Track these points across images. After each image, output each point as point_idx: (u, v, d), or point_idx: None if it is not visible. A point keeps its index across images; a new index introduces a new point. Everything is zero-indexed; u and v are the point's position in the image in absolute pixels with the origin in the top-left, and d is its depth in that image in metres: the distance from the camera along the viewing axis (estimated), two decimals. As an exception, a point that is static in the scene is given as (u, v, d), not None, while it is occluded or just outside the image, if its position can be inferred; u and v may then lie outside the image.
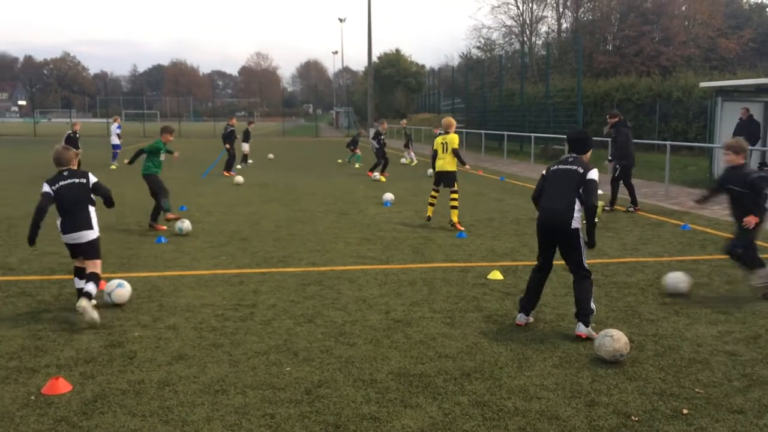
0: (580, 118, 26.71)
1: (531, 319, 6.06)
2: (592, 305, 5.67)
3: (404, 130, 28.37)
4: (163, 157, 10.86)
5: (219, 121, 62.08)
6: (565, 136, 13.16)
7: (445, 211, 12.00)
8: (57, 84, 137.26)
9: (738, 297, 6.95)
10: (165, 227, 10.59)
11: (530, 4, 54.00)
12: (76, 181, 6.26)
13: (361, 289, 7.24)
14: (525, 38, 54.80)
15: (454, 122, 11.31)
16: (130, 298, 6.61)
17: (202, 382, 4.71)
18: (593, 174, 5.63)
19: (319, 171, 23.02)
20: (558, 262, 5.95)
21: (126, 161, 11.13)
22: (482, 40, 57.47)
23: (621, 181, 13.04)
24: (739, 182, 6.77)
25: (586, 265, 5.70)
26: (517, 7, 54.49)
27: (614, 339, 5.02)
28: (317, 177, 20.67)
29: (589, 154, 5.95)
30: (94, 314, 5.90)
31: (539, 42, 54.88)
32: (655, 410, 4.27)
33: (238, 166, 22.88)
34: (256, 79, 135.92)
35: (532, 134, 26.73)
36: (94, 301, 6.02)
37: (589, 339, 5.51)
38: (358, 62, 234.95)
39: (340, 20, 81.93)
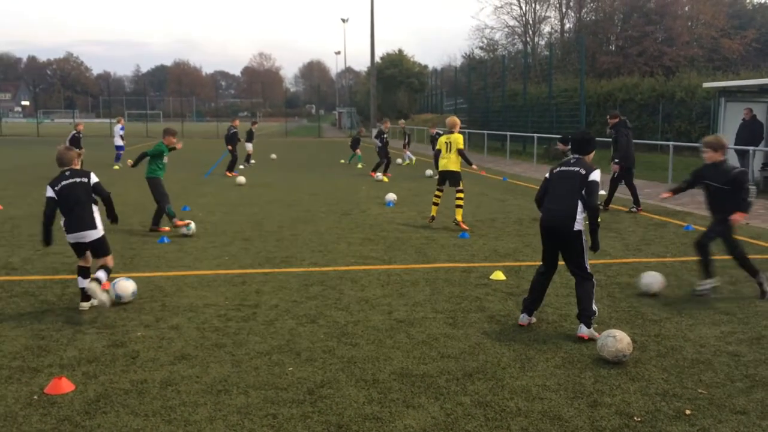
0: (583, 119, 26.69)
1: (533, 320, 6.05)
2: (594, 307, 5.66)
3: (403, 130, 28.31)
4: (166, 159, 10.80)
5: (222, 121, 62.20)
6: (565, 138, 13.25)
7: (448, 211, 12.01)
8: (60, 84, 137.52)
9: (741, 297, 6.94)
10: (168, 228, 10.59)
11: (533, 5, 53.95)
12: (78, 180, 6.30)
13: (363, 289, 7.24)
14: (528, 38, 54.74)
15: (458, 122, 11.30)
16: (133, 292, 6.65)
17: (204, 382, 4.71)
18: (595, 175, 5.63)
19: (322, 171, 23.04)
20: (562, 263, 5.94)
21: (129, 164, 11.04)
22: (485, 41, 57.43)
23: (621, 182, 13.05)
24: (720, 179, 6.75)
25: (588, 267, 5.70)
26: (520, 8, 54.45)
27: (617, 339, 5.02)
28: (320, 177, 20.68)
29: (592, 155, 5.94)
30: (103, 296, 6.13)
31: (542, 42, 54.85)
32: (657, 411, 4.27)
33: (241, 167, 22.90)
34: (259, 80, 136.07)
35: (535, 134, 26.73)
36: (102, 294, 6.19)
37: (591, 340, 5.50)
38: (360, 62, 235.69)
39: (343, 20, 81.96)
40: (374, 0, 51.75)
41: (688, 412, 4.25)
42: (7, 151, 34.14)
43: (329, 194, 16.02)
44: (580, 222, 5.62)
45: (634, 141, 13.46)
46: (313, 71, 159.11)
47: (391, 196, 14.42)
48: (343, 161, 27.39)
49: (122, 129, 25.27)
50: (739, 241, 7.03)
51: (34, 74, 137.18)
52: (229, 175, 20.62)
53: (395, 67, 71.35)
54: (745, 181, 6.68)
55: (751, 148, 14.45)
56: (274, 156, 29.65)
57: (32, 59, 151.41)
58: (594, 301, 5.67)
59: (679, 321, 6.14)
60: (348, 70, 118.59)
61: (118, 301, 6.52)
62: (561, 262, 5.93)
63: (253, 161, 25.55)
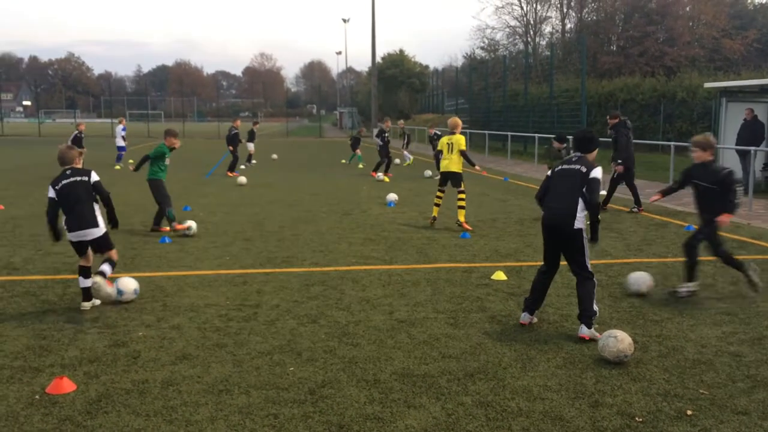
0: (584, 119, 26.68)
1: (535, 320, 6.05)
2: (595, 307, 5.66)
3: (402, 131, 28.27)
4: (168, 161, 10.77)
5: (223, 121, 62.21)
6: (560, 136, 13.24)
7: (449, 211, 12.00)
8: (61, 84, 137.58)
9: (742, 298, 6.93)
10: (168, 228, 10.59)
11: (534, 5, 53.93)
12: (78, 179, 6.33)
13: (364, 289, 7.24)
14: (529, 39, 54.72)
15: (460, 123, 11.28)
16: (135, 290, 6.67)
17: (205, 381, 4.71)
18: (596, 173, 5.64)
19: (323, 171, 23.04)
20: (564, 263, 5.94)
21: (131, 168, 10.92)
22: (486, 41, 57.38)
23: (621, 182, 13.06)
24: (708, 178, 6.71)
25: (589, 267, 5.70)
26: (521, 8, 54.43)
27: (618, 340, 5.02)
28: (321, 177, 20.69)
29: (594, 153, 5.93)
30: (108, 289, 6.28)
31: (543, 42, 54.84)
32: (659, 411, 4.27)
33: (242, 167, 22.91)
34: (260, 80, 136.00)
35: (536, 135, 26.70)
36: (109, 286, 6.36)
37: (592, 340, 5.50)
38: (361, 63, 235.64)
39: (344, 21, 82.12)
40: (375, 0, 51.75)
41: (689, 412, 4.25)
42: (9, 151, 34.17)
43: (330, 194, 16.03)
44: (581, 220, 5.62)
45: (635, 141, 13.46)
46: (314, 71, 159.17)
47: (392, 197, 14.41)
48: (344, 161, 27.39)
49: (124, 130, 25.29)
50: (723, 239, 7.00)
51: (35, 74, 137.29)
52: (231, 175, 20.63)
53: (396, 67, 71.32)
54: (733, 182, 6.64)
55: (752, 148, 14.42)
56: (275, 156, 29.66)
57: (33, 59, 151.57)
58: (595, 301, 5.66)
59: (681, 321, 6.14)
60: (349, 70, 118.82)
61: (119, 297, 6.54)
62: (563, 263, 5.93)
63: (254, 161, 25.58)
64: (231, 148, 21.57)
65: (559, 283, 7.13)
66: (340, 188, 17.47)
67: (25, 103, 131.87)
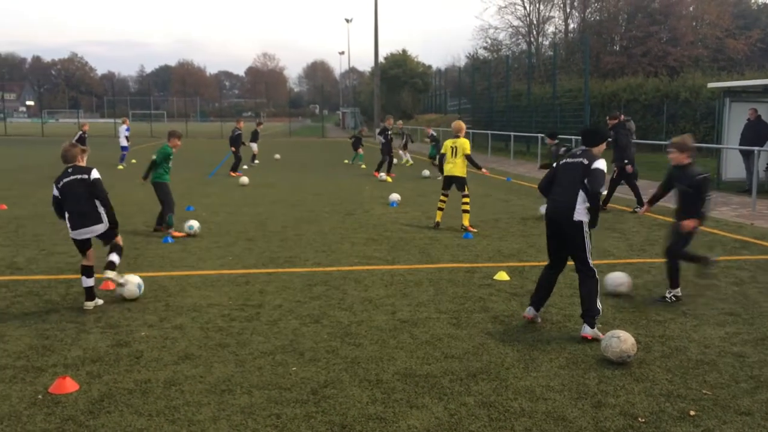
0: (587, 119, 26.65)
1: (539, 319, 6.05)
2: (598, 305, 5.64)
3: (401, 131, 28.25)
4: (170, 163, 10.73)
5: (226, 121, 62.28)
6: (551, 132, 13.22)
7: (453, 211, 11.99)
8: (65, 84, 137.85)
9: (745, 298, 6.92)
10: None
11: (537, 5, 53.91)
12: (78, 177, 6.35)
13: (367, 289, 7.24)
14: (532, 39, 54.69)
15: (463, 126, 11.03)
16: (139, 284, 6.71)
17: (208, 381, 4.72)
18: (599, 164, 5.63)
19: (325, 171, 23.05)
20: (570, 263, 5.92)
21: (142, 179, 10.61)
22: (489, 41, 57.38)
23: (621, 182, 13.08)
24: (684, 181, 6.64)
25: (591, 264, 5.69)
26: (524, 8, 54.40)
27: (621, 340, 5.01)
28: (323, 177, 20.69)
29: (601, 147, 5.88)
30: (120, 279, 6.48)
31: (546, 42, 54.80)
32: (662, 411, 4.26)
33: (245, 167, 22.93)
34: (263, 80, 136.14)
35: (539, 135, 26.66)
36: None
37: (595, 340, 5.49)
38: (364, 63, 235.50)
39: (347, 21, 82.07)
40: (378, 0, 51.75)
41: (692, 413, 4.24)
42: (12, 151, 34.25)
43: (333, 194, 16.03)
44: (580, 212, 5.61)
45: (638, 141, 13.43)
46: (317, 71, 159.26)
47: (395, 197, 14.41)
48: (346, 161, 27.40)
49: (128, 130, 25.32)
50: (688, 242, 6.90)
51: (38, 74, 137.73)
52: (233, 175, 20.65)
53: (399, 67, 71.33)
54: (706, 188, 6.55)
55: (755, 148, 14.39)
56: (277, 156, 29.68)
57: (37, 59, 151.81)
58: (598, 300, 5.65)
59: (684, 322, 6.12)
60: (352, 70, 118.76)
61: (122, 285, 6.60)
62: (570, 263, 5.91)
63: (257, 161, 25.61)
64: (233, 148, 21.62)
65: (561, 283, 7.12)
66: (343, 188, 17.47)
67: (28, 103, 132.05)
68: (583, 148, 5.87)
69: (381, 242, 9.91)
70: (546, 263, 6.09)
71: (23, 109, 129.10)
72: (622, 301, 6.79)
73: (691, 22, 46.28)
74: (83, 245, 6.42)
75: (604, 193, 12.85)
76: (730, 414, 4.23)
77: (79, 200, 6.31)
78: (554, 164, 6.09)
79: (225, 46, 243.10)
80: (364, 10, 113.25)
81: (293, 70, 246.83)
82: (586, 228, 5.66)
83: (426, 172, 21.03)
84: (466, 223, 10.84)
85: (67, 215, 6.37)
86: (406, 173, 22.14)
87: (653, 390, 4.60)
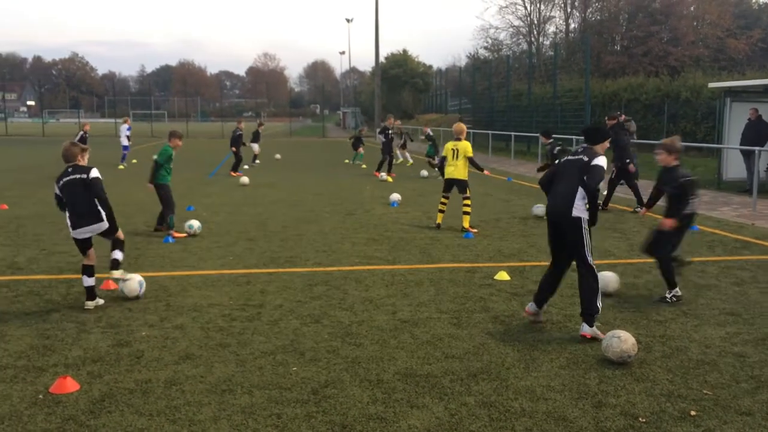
0: (588, 119, 26.63)
1: (540, 318, 6.05)
2: (598, 304, 5.62)
3: (400, 131, 28.23)
4: (171, 164, 10.71)
5: (227, 121, 62.28)
6: (546, 131, 13.21)
7: (454, 212, 11.99)
8: (65, 84, 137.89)
9: (746, 298, 6.91)
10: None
11: (538, 5, 53.87)
12: (78, 176, 6.35)
13: (367, 289, 7.24)
14: (532, 38, 54.66)
15: (464, 128, 10.99)
16: (140, 282, 6.75)
17: (209, 381, 4.72)
18: (599, 161, 5.64)
19: (326, 171, 23.05)
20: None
21: (149, 185, 10.47)
22: (489, 41, 57.35)
23: (620, 182, 13.09)
24: (670, 183, 6.73)
25: (590, 261, 5.67)
26: (525, 8, 54.36)
27: (622, 340, 5.01)
28: (324, 177, 20.69)
29: (604, 144, 5.88)
30: (126, 275, 6.59)
31: (547, 42, 54.74)
32: (662, 412, 4.26)
33: (245, 167, 22.93)
34: (264, 80, 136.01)
35: (540, 135, 26.65)
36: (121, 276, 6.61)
37: (595, 340, 5.49)
38: (365, 63, 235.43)
39: (348, 20, 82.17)
40: (379, 0, 51.74)
41: (693, 413, 4.24)
42: (13, 150, 34.26)
43: (333, 194, 16.03)
44: (579, 208, 5.61)
45: (638, 141, 13.43)
46: (318, 71, 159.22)
47: (396, 196, 14.41)
48: (347, 161, 27.40)
49: (129, 129, 25.33)
50: (672, 246, 6.91)
51: (39, 74, 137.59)
52: (234, 175, 20.66)
53: (400, 67, 71.32)
54: (689, 192, 6.60)
55: (756, 148, 14.38)
56: (278, 156, 29.68)
57: (37, 59, 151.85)
58: (598, 299, 5.64)
59: (684, 322, 6.12)
60: (352, 70, 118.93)
61: (125, 281, 6.67)
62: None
63: (258, 161, 25.62)
64: (234, 148, 21.63)
65: (562, 283, 7.10)
66: (344, 188, 17.47)
67: (29, 103, 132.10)
68: (585, 146, 5.89)
69: (382, 242, 9.91)
70: (548, 264, 6.09)
71: (24, 109, 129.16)
72: (622, 301, 6.79)
73: (692, 22, 46.24)
74: (84, 244, 6.43)
75: (604, 192, 12.86)
76: (730, 414, 4.23)
77: (78, 199, 6.33)
78: (555, 162, 6.10)
79: (226, 46, 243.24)
80: (365, 10, 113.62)
81: (294, 70, 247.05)
82: (585, 225, 5.65)
83: (424, 173, 21.01)
84: (466, 224, 10.82)
85: (67, 214, 6.39)
86: (406, 173, 22.13)
87: (654, 390, 4.60)
